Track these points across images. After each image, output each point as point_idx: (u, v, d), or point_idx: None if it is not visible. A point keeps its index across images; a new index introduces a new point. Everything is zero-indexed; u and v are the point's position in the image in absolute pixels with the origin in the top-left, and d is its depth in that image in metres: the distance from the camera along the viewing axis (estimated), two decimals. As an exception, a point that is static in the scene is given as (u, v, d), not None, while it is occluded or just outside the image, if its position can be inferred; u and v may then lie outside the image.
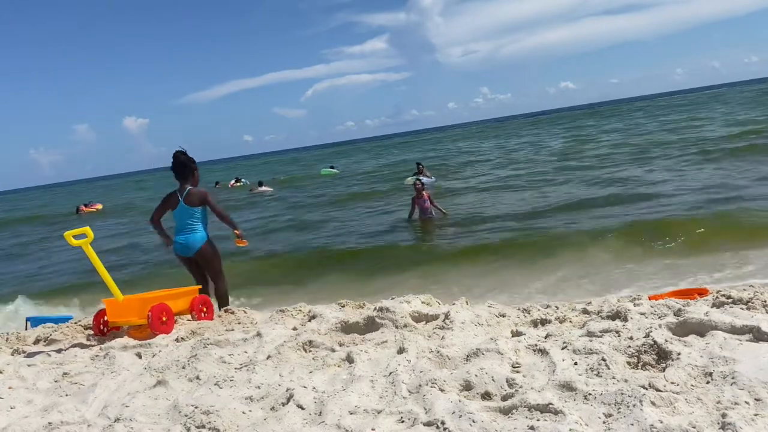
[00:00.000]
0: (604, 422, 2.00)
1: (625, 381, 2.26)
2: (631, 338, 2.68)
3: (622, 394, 2.09)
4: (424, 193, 10.51)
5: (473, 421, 2.06)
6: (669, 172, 12.84)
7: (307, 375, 2.76)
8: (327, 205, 16.04)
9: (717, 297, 3.26)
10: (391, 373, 2.61)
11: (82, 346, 3.86)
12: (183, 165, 4.89)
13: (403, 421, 2.19)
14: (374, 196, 16.35)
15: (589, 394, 2.17)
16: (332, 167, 30.99)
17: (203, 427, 2.31)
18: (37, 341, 4.17)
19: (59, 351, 3.79)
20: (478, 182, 16.66)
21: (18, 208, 41.07)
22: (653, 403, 2.03)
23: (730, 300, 3.17)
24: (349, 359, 2.88)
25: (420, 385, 2.44)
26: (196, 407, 2.47)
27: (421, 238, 9.83)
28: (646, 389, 2.15)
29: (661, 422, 1.89)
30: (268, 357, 3.06)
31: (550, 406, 2.08)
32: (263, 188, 24.06)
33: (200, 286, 4.57)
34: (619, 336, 2.75)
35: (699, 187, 10.37)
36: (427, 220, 10.45)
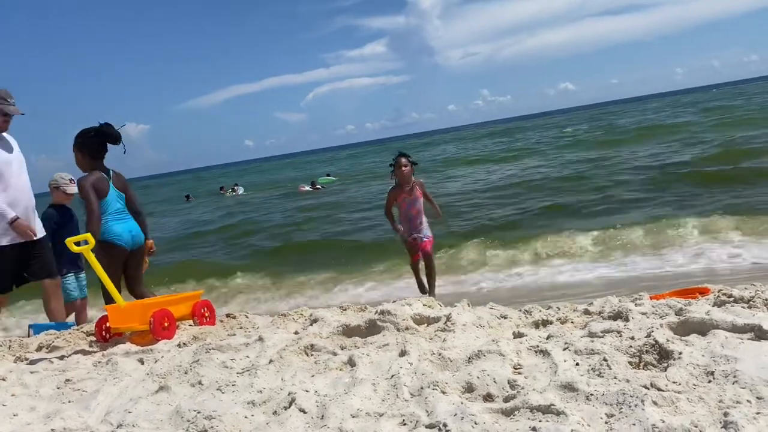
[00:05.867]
0: (606, 422, 2.00)
1: (627, 381, 2.26)
2: (632, 338, 2.68)
3: (624, 394, 2.09)
4: (415, 183, 6.10)
5: (475, 423, 2.06)
6: None
7: (309, 379, 2.76)
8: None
9: (718, 296, 3.27)
10: (392, 375, 2.61)
11: (84, 352, 3.87)
12: (115, 142, 4.36)
13: (405, 424, 2.19)
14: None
15: (591, 394, 2.16)
16: (328, 175, 30.60)
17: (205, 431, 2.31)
18: (39, 348, 4.17)
19: (62, 358, 3.80)
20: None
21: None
22: (655, 403, 2.03)
23: (731, 299, 3.17)
24: (351, 362, 2.88)
25: (422, 388, 2.44)
26: (198, 412, 2.47)
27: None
28: (648, 389, 2.15)
29: (663, 422, 1.89)
30: (270, 361, 3.07)
31: (552, 407, 2.08)
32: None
33: (202, 291, 4.57)
34: (620, 336, 2.75)
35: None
36: (416, 248, 6.00)
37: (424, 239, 6.07)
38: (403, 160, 6.15)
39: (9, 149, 4.65)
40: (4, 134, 4.65)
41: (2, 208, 4.51)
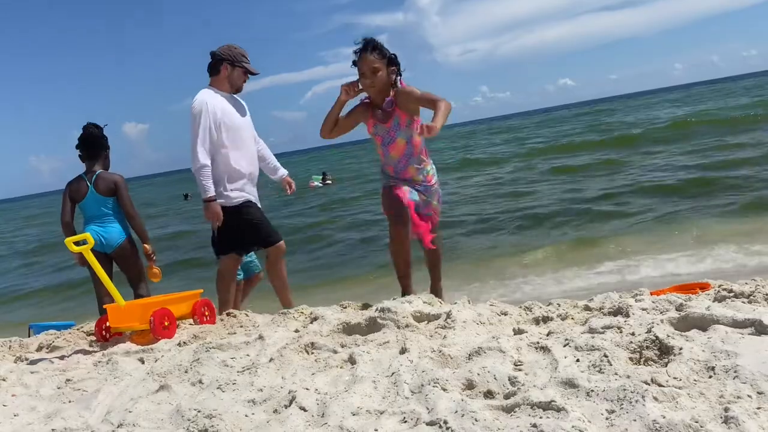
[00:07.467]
0: (606, 418, 2.00)
1: (628, 377, 2.25)
2: (632, 334, 2.68)
3: (625, 390, 2.09)
4: (397, 97, 3.62)
5: (476, 420, 2.06)
6: None
7: (310, 377, 2.76)
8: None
9: (719, 291, 3.27)
10: (393, 373, 2.61)
11: (84, 352, 3.87)
12: (94, 140, 4.44)
13: (405, 421, 2.19)
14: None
15: (592, 390, 2.16)
16: (325, 174, 29.66)
17: (206, 431, 2.31)
18: (39, 348, 4.18)
19: (62, 357, 3.80)
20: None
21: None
22: (656, 399, 2.02)
23: (731, 294, 3.17)
24: (351, 360, 2.88)
25: (422, 385, 2.44)
26: (198, 411, 2.47)
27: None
28: (649, 385, 2.15)
29: (664, 417, 1.89)
30: (271, 360, 3.07)
31: (553, 403, 2.08)
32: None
33: (202, 290, 4.54)
34: (620, 332, 2.75)
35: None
36: (400, 211, 3.60)
37: (425, 213, 3.58)
38: (371, 56, 3.48)
39: (244, 112, 4.49)
40: (237, 96, 4.46)
41: (241, 167, 4.32)
